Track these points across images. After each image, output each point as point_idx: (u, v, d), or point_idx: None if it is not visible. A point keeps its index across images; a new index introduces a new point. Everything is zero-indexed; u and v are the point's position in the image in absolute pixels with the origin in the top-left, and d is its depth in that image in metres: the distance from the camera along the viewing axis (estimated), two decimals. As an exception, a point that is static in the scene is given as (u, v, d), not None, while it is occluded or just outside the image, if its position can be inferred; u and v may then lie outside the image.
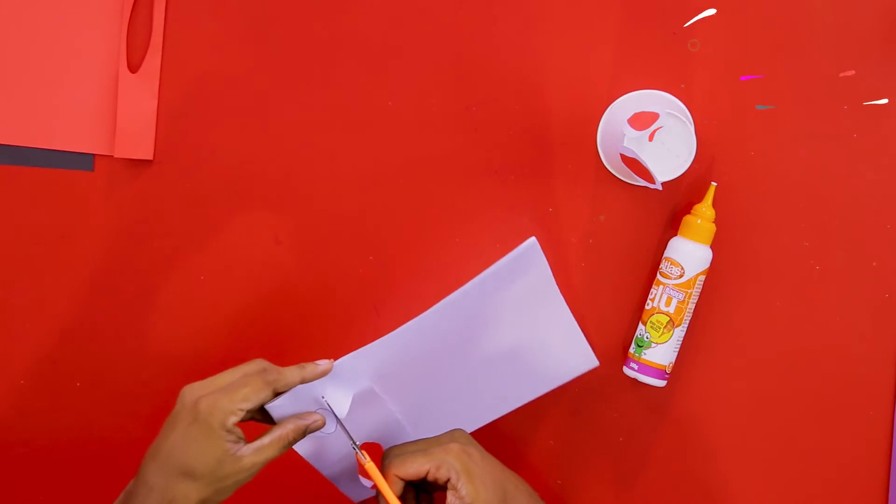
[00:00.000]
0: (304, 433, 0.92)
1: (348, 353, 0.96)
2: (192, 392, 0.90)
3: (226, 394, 0.89)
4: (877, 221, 1.08)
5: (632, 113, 1.02)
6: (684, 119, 1.02)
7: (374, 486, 0.95)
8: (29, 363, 1.11)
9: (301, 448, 0.97)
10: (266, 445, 0.90)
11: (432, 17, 1.08)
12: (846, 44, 1.07)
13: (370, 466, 0.94)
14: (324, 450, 0.99)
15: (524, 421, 1.09)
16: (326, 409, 0.96)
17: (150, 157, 1.09)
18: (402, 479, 0.94)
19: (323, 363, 0.94)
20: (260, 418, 0.94)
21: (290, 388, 0.92)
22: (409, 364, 0.99)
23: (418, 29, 1.08)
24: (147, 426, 1.11)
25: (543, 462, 1.11)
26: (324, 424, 0.94)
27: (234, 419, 0.88)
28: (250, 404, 0.89)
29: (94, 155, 1.10)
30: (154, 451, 0.90)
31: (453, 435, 0.97)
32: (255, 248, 1.10)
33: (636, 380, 1.07)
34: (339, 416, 0.95)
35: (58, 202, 1.10)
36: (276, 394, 0.92)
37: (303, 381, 0.93)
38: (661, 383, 1.06)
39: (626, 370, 1.07)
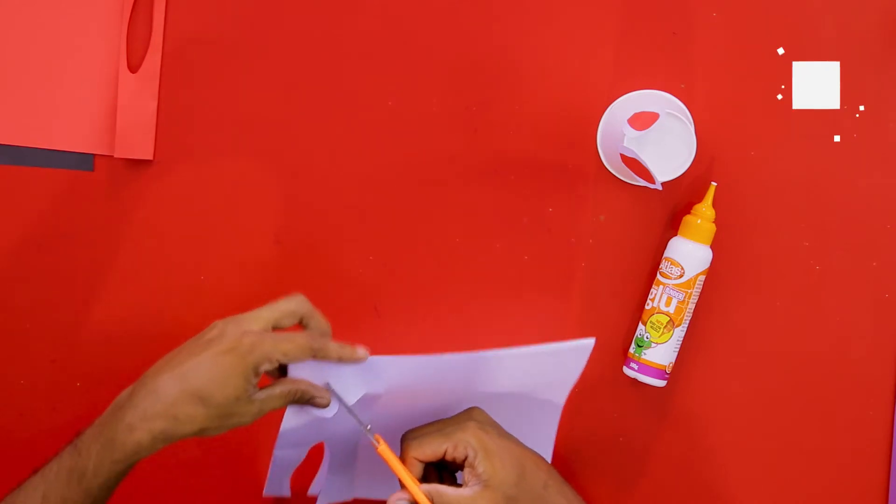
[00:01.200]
0: (307, 400, 0.92)
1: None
2: (237, 325, 0.90)
3: (272, 341, 0.89)
4: (877, 221, 1.08)
5: (632, 113, 1.02)
6: (684, 119, 1.02)
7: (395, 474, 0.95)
8: (29, 363, 1.11)
9: (289, 413, 0.96)
10: (275, 395, 0.90)
11: (432, 16, 1.08)
12: (847, 44, 1.07)
13: (384, 450, 0.94)
14: (297, 432, 0.98)
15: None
16: (332, 393, 0.95)
17: (150, 157, 1.09)
18: (420, 462, 0.94)
19: (361, 351, 0.93)
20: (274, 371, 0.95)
21: (326, 361, 0.92)
22: (414, 390, 0.98)
23: (418, 29, 1.08)
24: (147, 426, 1.11)
25: (543, 462, 1.11)
26: (327, 405, 0.93)
27: (267, 366, 0.89)
28: (289, 360, 0.90)
29: (94, 155, 1.10)
30: (172, 363, 0.89)
31: (471, 413, 0.97)
32: (255, 248, 1.10)
33: (636, 380, 1.07)
34: (347, 404, 0.95)
35: (58, 202, 1.10)
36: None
37: (339, 360, 0.92)
38: (661, 383, 1.06)
39: (626, 370, 1.07)
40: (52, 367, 1.11)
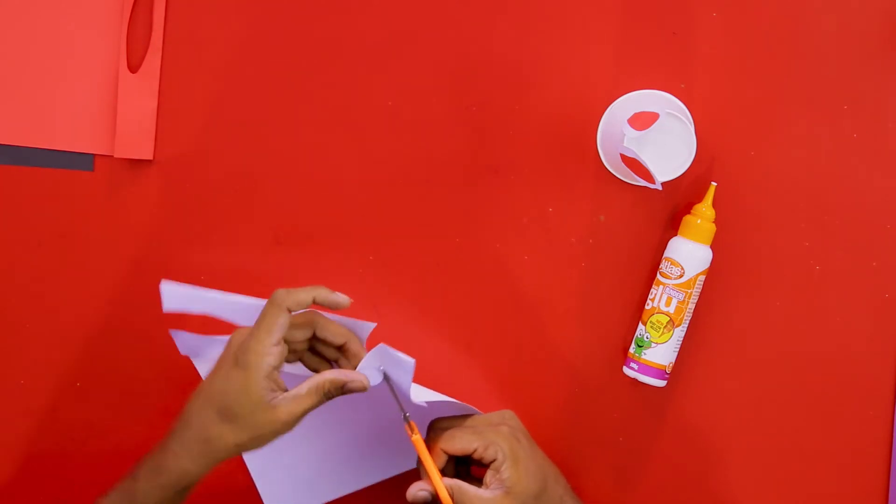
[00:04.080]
0: (341, 389, 0.91)
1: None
2: (239, 335, 0.92)
3: (252, 334, 0.90)
4: (877, 221, 1.08)
5: (632, 113, 1.02)
6: (684, 119, 1.02)
7: (418, 459, 0.95)
8: (29, 363, 1.11)
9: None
10: (303, 395, 0.90)
11: (432, 17, 1.08)
12: (847, 44, 1.07)
13: (417, 439, 0.94)
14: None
15: (523, 421, 1.09)
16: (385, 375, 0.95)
17: (150, 157, 1.09)
18: (447, 454, 0.95)
19: (341, 296, 0.93)
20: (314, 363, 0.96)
21: (303, 307, 0.91)
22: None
23: (418, 29, 1.08)
24: (147, 426, 1.11)
25: (543, 462, 1.11)
26: (363, 388, 0.92)
27: (270, 360, 0.89)
28: (274, 335, 0.89)
29: (94, 155, 1.10)
30: (200, 389, 0.92)
31: (504, 416, 0.98)
32: (255, 248, 1.10)
33: (636, 380, 1.07)
34: (394, 390, 0.95)
35: (58, 202, 1.10)
36: (291, 313, 0.91)
37: (315, 301, 0.92)
38: (661, 383, 1.06)
39: (626, 370, 1.07)
40: (52, 367, 1.11)
